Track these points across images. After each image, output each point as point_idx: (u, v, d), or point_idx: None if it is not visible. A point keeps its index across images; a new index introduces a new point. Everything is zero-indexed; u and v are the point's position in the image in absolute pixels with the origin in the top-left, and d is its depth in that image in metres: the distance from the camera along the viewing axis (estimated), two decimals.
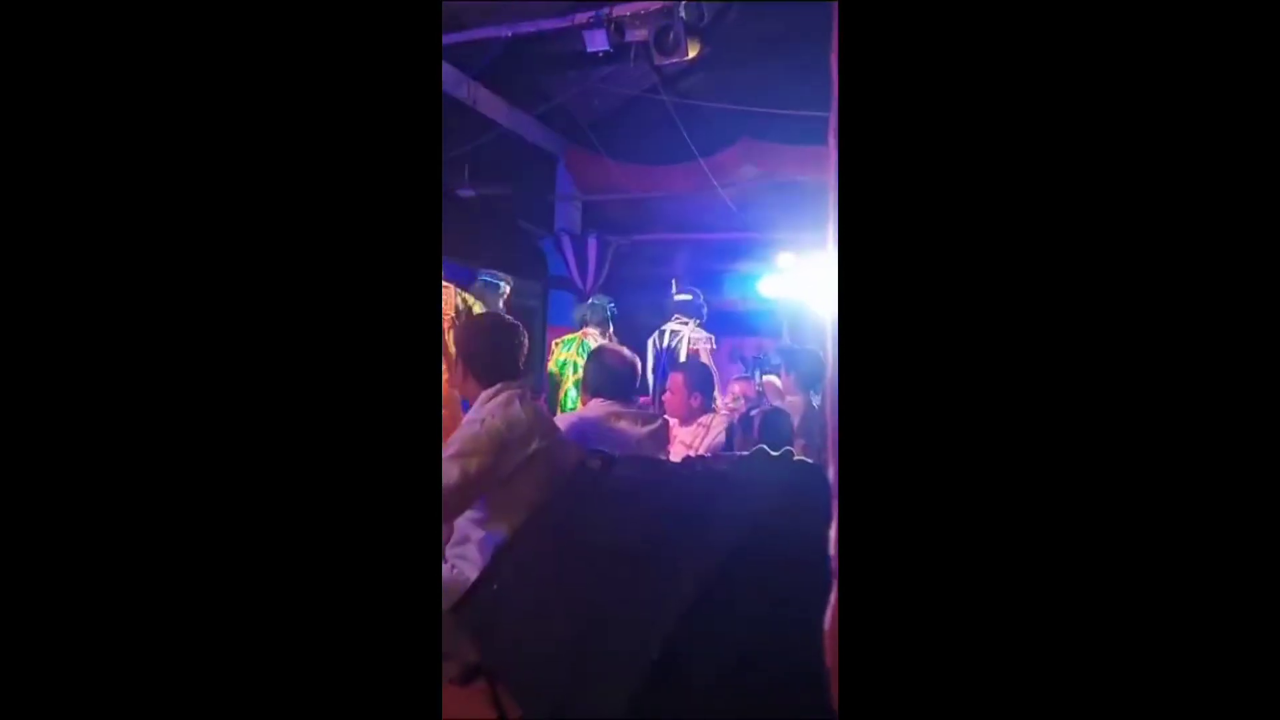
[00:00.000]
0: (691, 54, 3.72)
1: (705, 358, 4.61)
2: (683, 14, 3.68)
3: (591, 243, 7.39)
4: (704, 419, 3.02)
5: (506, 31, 4.40)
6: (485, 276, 3.99)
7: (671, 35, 3.68)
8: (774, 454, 1.37)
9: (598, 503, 1.56)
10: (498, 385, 1.86)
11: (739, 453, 2.52)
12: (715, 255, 6.35)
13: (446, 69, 5.27)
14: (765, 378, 4.14)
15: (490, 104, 5.75)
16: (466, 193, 5.29)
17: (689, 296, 4.85)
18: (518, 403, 1.83)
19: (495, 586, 1.59)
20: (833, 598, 0.61)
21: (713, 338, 4.94)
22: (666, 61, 3.80)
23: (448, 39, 4.65)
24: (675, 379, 3.16)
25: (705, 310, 4.99)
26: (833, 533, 0.61)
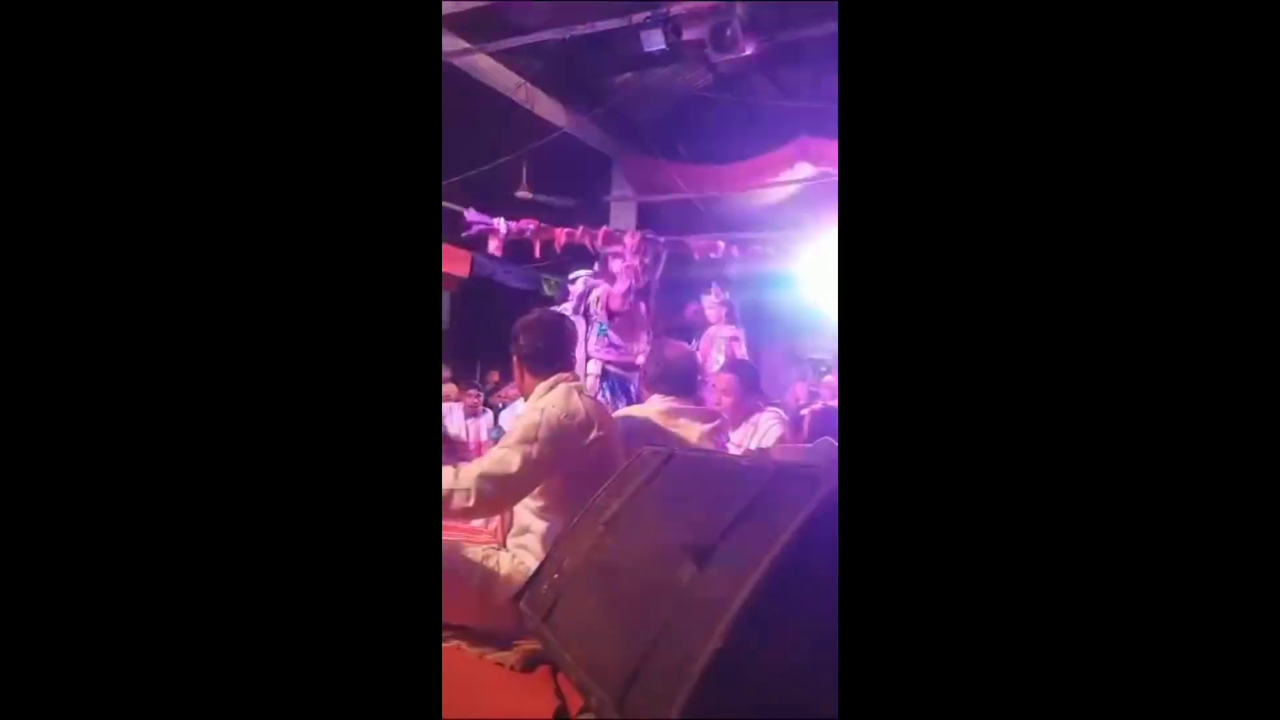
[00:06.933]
0: (748, 51, 3.70)
1: (742, 352, 4.49)
2: (739, 11, 3.67)
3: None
4: (754, 418, 2.95)
5: (564, 33, 4.44)
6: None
7: (729, 32, 3.66)
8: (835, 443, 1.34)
9: (657, 494, 1.55)
10: (554, 378, 1.87)
11: (802, 444, 2.48)
12: (770, 255, 6.28)
13: (503, 72, 5.35)
14: (824, 378, 4.07)
15: (547, 106, 5.81)
16: (524, 195, 5.36)
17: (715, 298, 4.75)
18: (575, 394, 1.84)
19: (556, 576, 1.59)
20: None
21: (740, 333, 4.75)
22: (723, 58, 3.79)
23: (506, 42, 4.71)
24: (729, 380, 3.05)
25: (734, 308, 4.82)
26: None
